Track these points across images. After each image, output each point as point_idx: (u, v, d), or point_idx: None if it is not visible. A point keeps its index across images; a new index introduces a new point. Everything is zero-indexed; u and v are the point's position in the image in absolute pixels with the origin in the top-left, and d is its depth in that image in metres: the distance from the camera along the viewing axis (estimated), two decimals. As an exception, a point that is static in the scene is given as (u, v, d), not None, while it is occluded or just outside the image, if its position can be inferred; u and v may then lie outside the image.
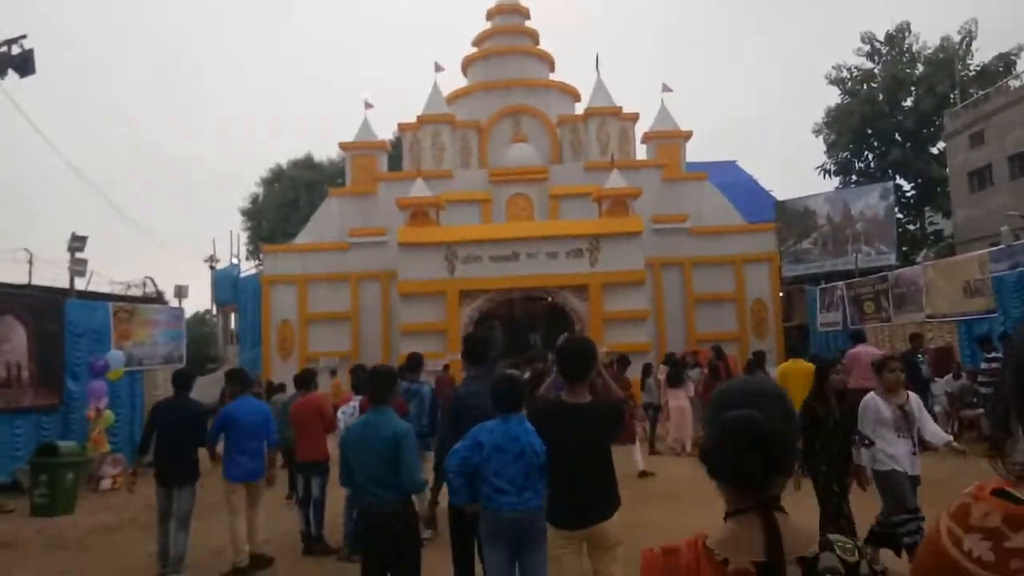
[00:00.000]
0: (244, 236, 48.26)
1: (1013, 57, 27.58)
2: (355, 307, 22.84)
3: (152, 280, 16.84)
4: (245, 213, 49.90)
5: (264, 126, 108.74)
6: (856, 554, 1.41)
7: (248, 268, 33.71)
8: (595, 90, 24.38)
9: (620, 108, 24.16)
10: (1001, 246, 13.97)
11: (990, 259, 13.92)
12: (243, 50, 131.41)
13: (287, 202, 45.94)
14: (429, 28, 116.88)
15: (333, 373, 22.00)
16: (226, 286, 27.59)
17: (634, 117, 24.58)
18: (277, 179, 49.25)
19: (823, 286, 20.73)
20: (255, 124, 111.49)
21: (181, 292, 16.41)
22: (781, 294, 23.64)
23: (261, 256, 23.39)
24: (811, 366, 9.75)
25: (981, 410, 11.41)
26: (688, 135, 25.25)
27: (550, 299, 21.22)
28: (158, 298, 16.42)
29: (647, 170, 23.74)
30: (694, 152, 26.90)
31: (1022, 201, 19.30)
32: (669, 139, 24.89)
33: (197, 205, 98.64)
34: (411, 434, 4.24)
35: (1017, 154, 22.25)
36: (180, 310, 15.81)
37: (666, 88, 25.14)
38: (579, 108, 25.28)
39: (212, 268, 30.72)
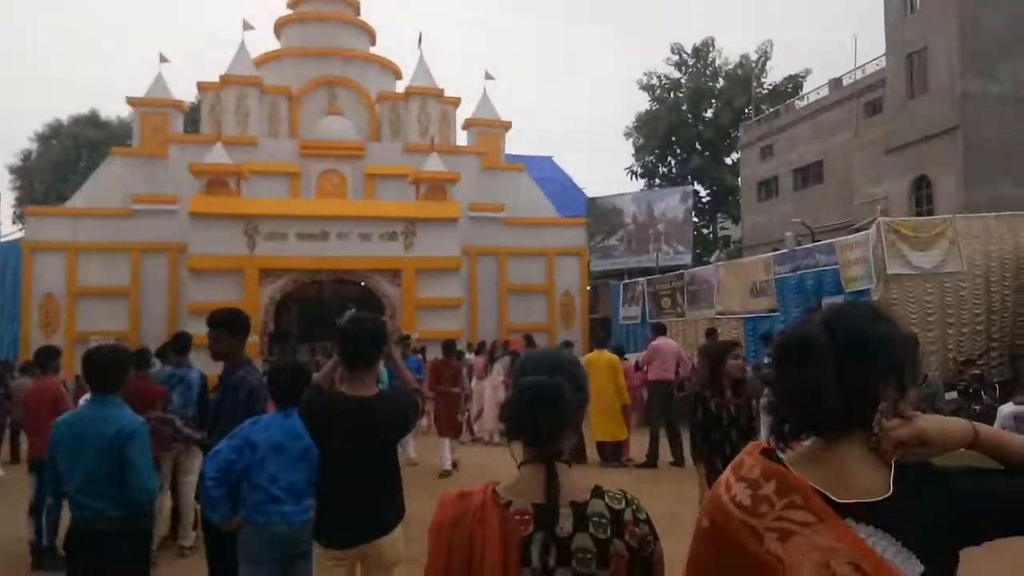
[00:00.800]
0: (11, 197, 42.48)
1: (801, 79, 30.42)
2: (135, 282, 20.43)
3: None
4: (14, 171, 43.89)
5: (43, 74, 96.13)
6: (623, 502, 1.63)
7: (12, 233, 29.43)
8: (417, 69, 23.62)
9: (443, 91, 23.61)
10: (784, 251, 15.03)
11: (774, 262, 14.93)
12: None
13: (65, 161, 40.92)
14: None
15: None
16: (-8, 253, 23.77)
17: (456, 101, 24.13)
18: (55, 135, 43.76)
19: (626, 281, 21.53)
20: (32, 70, 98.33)
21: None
22: (588, 287, 24.34)
23: (25, 219, 20.27)
24: (614, 357, 9.81)
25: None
26: (508, 125, 25.22)
27: (363, 283, 20.25)
28: None
29: (467, 156, 23.38)
30: (512, 145, 27.03)
31: (803, 210, 21.22)
32: (490, 128, 24.69)
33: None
34: (143, 432, 3.34)
35: (800, 168, 24.49)
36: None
37: (488, 76, 24.93)
38: (400, 88, 24.38)
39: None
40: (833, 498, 1.23)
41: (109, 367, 3.46)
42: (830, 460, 1.27)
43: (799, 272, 14.09)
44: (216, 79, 22.08)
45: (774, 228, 23.90)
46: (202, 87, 22.31)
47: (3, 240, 23.54)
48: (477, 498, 1.64)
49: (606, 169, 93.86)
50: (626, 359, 10.54)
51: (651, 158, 31.64)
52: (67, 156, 40.98)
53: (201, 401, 5.89)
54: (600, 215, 23.99)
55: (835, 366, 1.24)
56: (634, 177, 31.56)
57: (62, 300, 20.02)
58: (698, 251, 29.58)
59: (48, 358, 6.46)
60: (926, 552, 1.20)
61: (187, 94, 23.65)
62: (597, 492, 1.65)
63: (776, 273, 14.67)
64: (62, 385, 6.45)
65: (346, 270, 19.64)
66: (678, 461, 9.48)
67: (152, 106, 22.24)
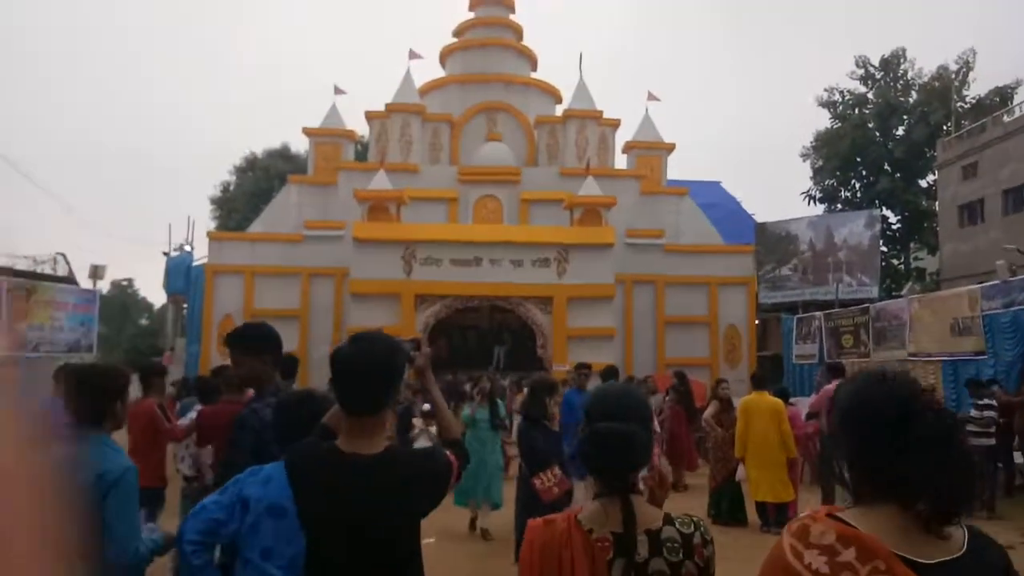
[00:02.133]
0: (213, 225, 46.71)
1: (1010, 90, 26.72)
2: (305, 304, 21.34)
3: (64, 257, 15.20)
4: (215, 202, 48.27)
5: (243, 113, 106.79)
6: (692, 527, 1.83)
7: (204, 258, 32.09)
8: (576, 91, 23.17)
9: (601, 112, 22.96)
10: (995, 282, 12.81)
11: (982, 295, 12.75)
12: (226, 37, 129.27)
13: (259, 192, 44.33)
14: (412, 18, 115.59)
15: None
16: (178, 275, 25.95)
17: (615, 123, 23.40)
18: (251, 168, 47.72)
19: (800, 315, 19.55)
20: (234, 112, 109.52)
21: (96, 273, 14.76)
22: (756, 321, 22.47)
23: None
24: (778, 401, 8.48)
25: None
26: (671, 148, 24.11)
27: (513, 310, 19.87)
28: (68, 278, 14.81)
29: (625, 180, 22.53)
30: (677, 170, 25.84)
31: (1016, 237, 18.24)
32: (651, 150, 23.72)
33: (171, 194, 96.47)
34: (129, 477, 2.54)
35: (1012, 188, 21.24)
36: (92, 292, 14.26)
37: (652, 97, 24.01)
38: (560, 111, 24.02)
39: (166, 255, 29.16)
40: (916, 560, 1.30)
41: (98, 393, 2.68)
42: (890, 524, 1.34)
43: (1014, 308, 11.90)
44: (383, 109, 22.83)
45: (980, 258, 20.82)
46: (369, 116, 23.14)
47: (197, 264, 25.57)
48: (562, 524, 1.81)
49: (781, 195, 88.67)
50: (792, 404, 9.14)
51: (832, 181, 28.99)
52: (260, 187, 44.41)
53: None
54: (771, 242, 22.10)
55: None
56: (812, 202, 29.07)
57: (239, 321, 21.23)
58: (887, 284, 26.57)
59: (152, 375, 6.20)
60: None
61: (361, 124, 24.65)
62: (668, 520, 1.82)
63: (985, 309, 12.50)
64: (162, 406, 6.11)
65: (498, 296, 19.34)
66: None
67: (326, 136, 23.39)
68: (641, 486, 1.84)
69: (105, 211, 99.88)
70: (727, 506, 8.55)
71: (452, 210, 21.86)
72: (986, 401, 9.31)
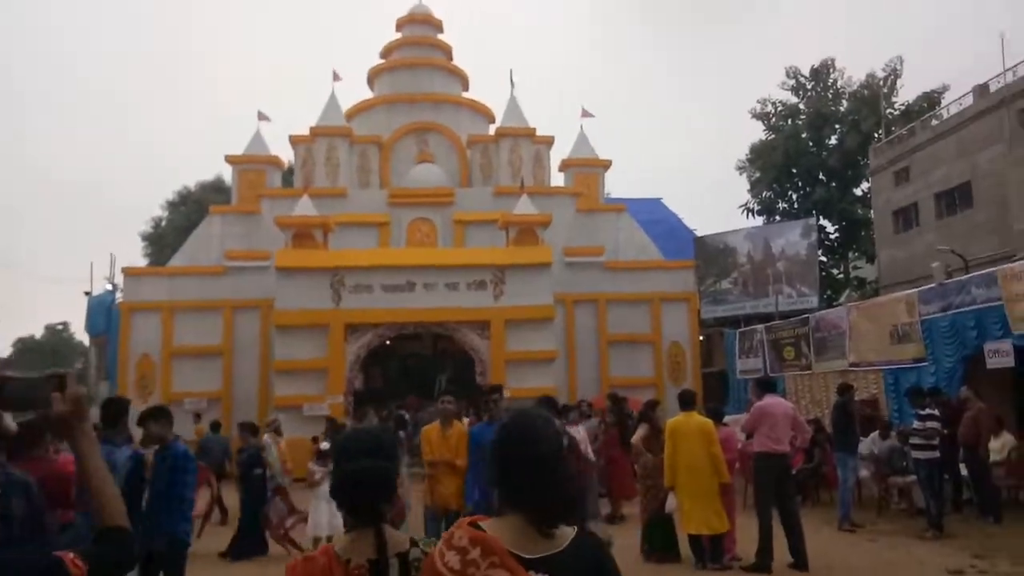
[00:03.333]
0: (145, 262, 44.98)
1: (937, 95, 27.13)
2: (228, 340, 20.18)
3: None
4: (146, 238, 46.59)
5: (177, 145, 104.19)
6: (431, 547, 1.90)
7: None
8: (508, 109, 22.66)
9: (534, 130, 22.48)
10: (931, 285, 12.51)
11: (919, 300, 12.44)
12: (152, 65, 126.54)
13: (191, 226, 42.64)
14: (337, 41, 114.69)
15: (197, 417, 19.22)
16: (100, 314, 24.48)
17: (549, 141, 22.93)
18: (183, 202, 46.18)
19: (742, 329, 19.18)
20: (166, 144, 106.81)
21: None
22: (700, 337, 22.06)
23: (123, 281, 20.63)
24: (707, 421, 7.78)
25: (912, 477, 9.68)
26: (608, 164, 23.75)
27: (450, 336, 19.05)
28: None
29: (561, 198, 22.03)
30: (616, 188, 25.46)
31: (950, 240, 18.19)
32: (587, 167, 23.30)
33: (104, 231, 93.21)
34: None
35: (944, 191, 21.33)
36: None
37: (586, 113, 23.64)
38: (492, 130, 23.45)
39: (87, 295, 27.62)
40: (522, 555, 1.73)
41: None
42: (511, 528, 1.77)
43: (952, 311, 11.59)
44: (308, 133, 21.97)
45: (916, 263, 20.81)
46: (294, 141, 22.25)
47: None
48: (322, 559, 1.99)
49: (721, 209, 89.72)
50: (726, 424, 8.49)
51: (768, 193, 29.03)
52: (192, 221, 42.78)
53: (131, 490, 4.53)
54: (710, 255, 21.80)
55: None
56: (750, 215, 29.01)
57: (158, 360, 19.98)
58: (828, 295, 26.56)
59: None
60: None
61: (288, 151, 23.71)
62: (413, 543, 2.05)
63: (923, 313, 12.19)
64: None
65: (433, 323, 18.51)
66: (799, 563, 7.25)
67: (249, 163, 22.38)
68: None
69: (30, 250, 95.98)
70: (660, 539, 7.82)
71: (384, 235, 21.02)
72: (928, 411, 8.82)
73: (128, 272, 20.47)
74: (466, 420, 10.58)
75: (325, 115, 21.93)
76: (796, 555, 7.33)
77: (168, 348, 19.93)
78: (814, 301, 19.92)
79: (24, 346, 57.83)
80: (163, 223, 46.36)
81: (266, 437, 10.60)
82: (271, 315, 19.14)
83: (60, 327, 66.78)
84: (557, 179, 23.66)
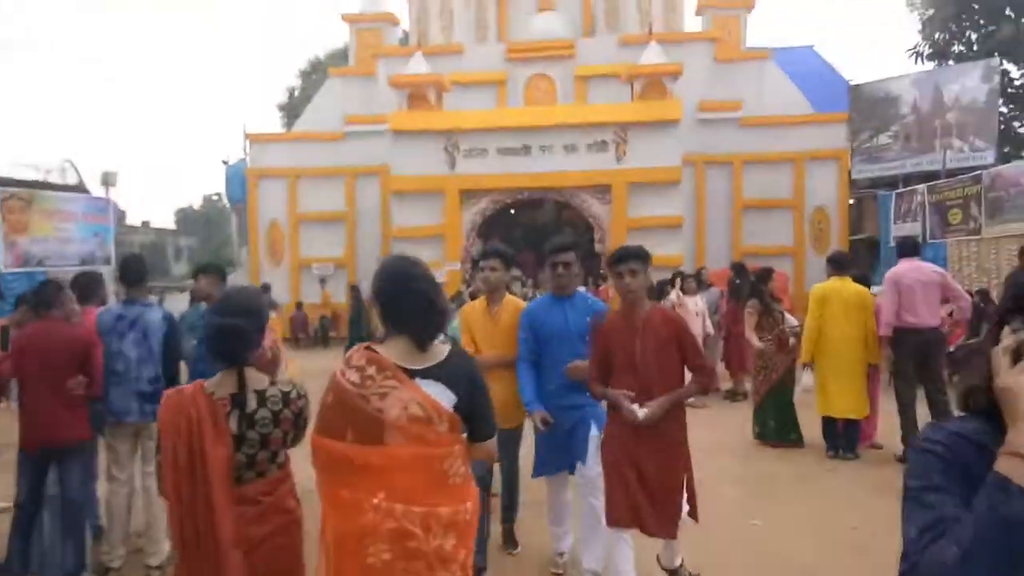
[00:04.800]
0: (281, 132, 46.21)
1: None
2: (351, 206, 20.27)
3: (72, 164, 14.35)
4: (282, 108, 47.66)
5: (307, 14, 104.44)
6: (291, 387, 2.47)
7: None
8: (635, -54, 20.26)
9: (666, -32, 20.08)
10: None
11: None
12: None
13: (322, 94, 43.32)
14: None
15: (323, 282, 19.74)
16: (236, 182, 25.38)
17: (683, -21, 20.46)
18: (315, 71, 46.55)
19: (900, 190, 16.92)
20: (298, 13, 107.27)
21: (108, 180, 13.93)
22: (850, 201, 19.85)
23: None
24: (864, 290, 6.62)
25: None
26: (750, 4, 21.01)
27: (567, 202, 18.11)
28: (77, 187, 14.05)
29: (696, 45, 19.82)
30: (760, 36, 22.52)
31: None
32: (727, 9, 20.75)
33: (246, 103, 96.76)
34: None
35: None
36: (105, 200, 13.41)
37: (726, -55, 20.77)
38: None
39: (225, 164, 28.62)
40: (409, 367, 2.18)
41: None
42: (398, 348, 2.22)
43: None
44: (421, -15, 20.75)
45: None
46: (406, -6, 21.09)
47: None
48: (189, 390, 2.39)
49: (884, 58, 79.89)
50: (875, 294, 7.21)
51: (943, 34, 24.94)
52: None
53: (168, 352, 4.15)
54: (868, 107, 19.07)
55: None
56: (920, 60, 25.11)
57: (285, 226, 20.44)
58: (1006, 151, 23.00)
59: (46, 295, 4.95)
60: (457, 389, 2.20)
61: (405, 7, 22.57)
62: (272, 383, 2.46)
63: None
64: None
65: (550, 188, 17.59)
66: None
67: (365, 22, 21.59)
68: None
69: (190, 125, 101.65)
70: (775, 424, 6.92)
71: (501, 93, 19.93)
72: None
73: (252, 138, 20.68)
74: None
75: (438, -37, 20.54)
76: None
77: (294, 214, 20.30)
78: (990, 157, 17.13)
79: (184, 215, 62.19)
80: (296, 92, 47.13)
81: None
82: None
83: (215, 197, 71.18)
84: (693, 24, 21.32)
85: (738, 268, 9.68)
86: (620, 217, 17.24)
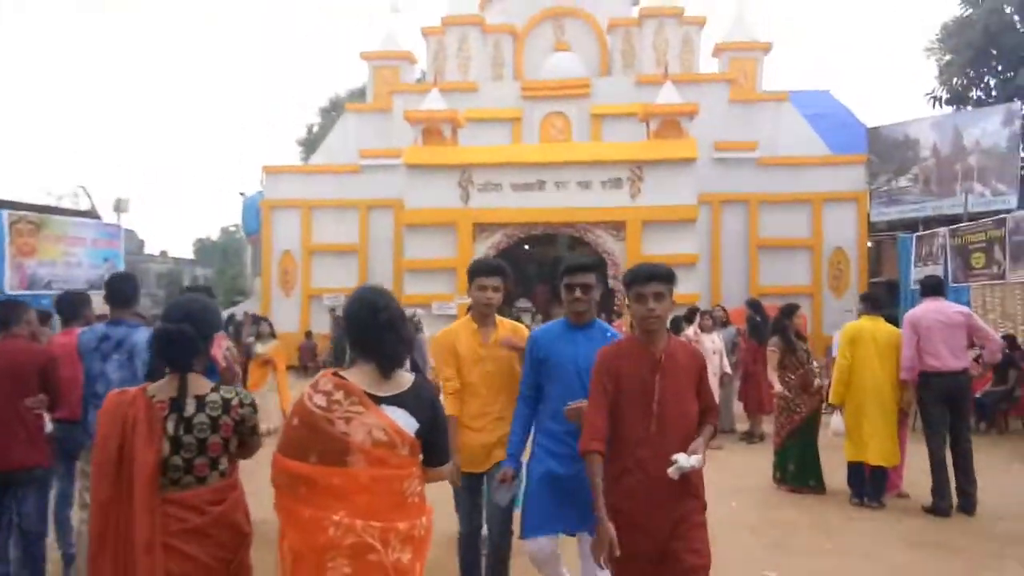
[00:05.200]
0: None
1: None
2: (364, 238, 20.23)
3: (85, 190, 14.42)
4: (301, 143, 48.29)
5: (328, 54, 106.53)
6: (233, 394, 2.52)
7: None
8: (654, -14, 20.41)
9: (683, 9, 20.20)
10: None
11: None
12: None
13: (339, 130, 43.82)
14: None
15: (332, 311, 19.61)
16: (251, 214, 25.51)
17: (700, 21, 20.57)
18: (334, 108, 47.19)
19: (920, 232, 16.63)
20: (318, 53, 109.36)
21: (120, 207, 13.94)
22: (869, 244, 19.58)
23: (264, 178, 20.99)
24: (897, 331, 6.35)
25: None
26: (767, 48, 21.08)
27: (582, 237, 17.96)
28: (89, 212, 14.06)
29: (712, 86, 19.82)
30: (777, 80, 22.50)
31: None
32: (744, 51, 20.80)
33: (266, 139, 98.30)
34: None
35: None
36: (115, 227, 13.41)
37: (742, -11, 20.92)
38: (636, 12, 21.31)
39: (242, 195, 28.84)
40: (376, 394, 2.29)
41: None
42: (365, 375, 2.33)
43: None
44: (439, 24, 20.96)
45: None
46: (426, 32, 21.32)
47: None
48: (131, 393, 2.44)
49: (901, 102, 79.82)
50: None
51: (961, 80, 24.85)
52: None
53: (152, 374, 3.93)
54: (886, 149, 18.92)
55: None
56: (938, 105, 24.99)
57: (299, 257, 20.40)
58: (1028, 195, 22.69)
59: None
60: (419, 416, 2.32)
61: (419, 44, 22.85)
62: (215, 389, 2.50)
63: None
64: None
65: (564, 223, 17.46)
66: (965, 505, 5.86)
67: (382, 59, 21.83)
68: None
69: (211, 159, 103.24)
70: (795, 468, 6.58)
71: (516, 130, 19.95)
72: None
73: (268, 170, 20.77)
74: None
75: (455, 4, 20.76)
76: (961, 495, 5.95)
77: (307, 245, 20.27)
78: (1013, 201, 16.86)
79: (202, 245, 62.65)
80: (315, 128, 47.74)
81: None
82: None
83: (233, 228, 71.91)
84: (710, 66, 21.37)
85: (754, 305, 9.42)
86: (635, 254, 17.03)
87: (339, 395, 2.24)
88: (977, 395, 9.75)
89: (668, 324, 9.15)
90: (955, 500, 5.94)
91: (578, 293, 3.31)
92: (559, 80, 19.84)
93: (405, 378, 2.36)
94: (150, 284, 64.27)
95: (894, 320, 7.06)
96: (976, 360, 8.88)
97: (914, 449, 6.61)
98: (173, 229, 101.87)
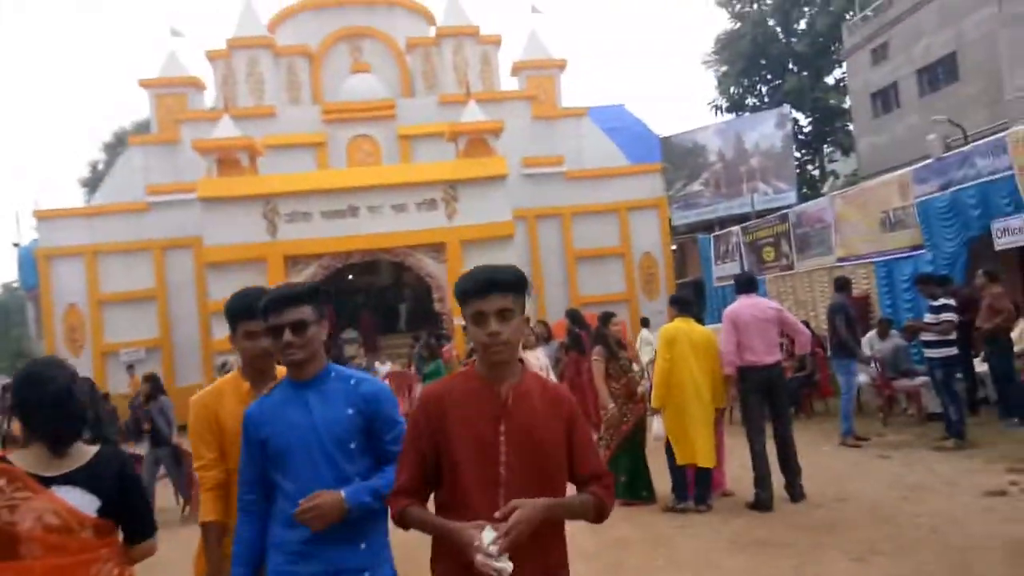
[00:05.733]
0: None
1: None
2: (161, 283, 18.41)
3: None
4: (85, 183, 43.93)
5: (105, 89, 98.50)
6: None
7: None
8: (448, 7, 20.44)
9: (477, 28, 20.37)
10: (929, 160, 11.11)
11: (913, 179, 11.06)
12: None
13: (129, 167, 40.33)
14: None
15: (130, 369, 17.67)
16: (29, 266, 22.51)
17: (496, 40, 20.85)
18: (120, 143, 43.35)
19: (716, 232, 17.80)
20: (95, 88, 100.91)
21: None
22: (673, 247, 20.70)
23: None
24: (710, 332, 6.43)
25: (922, 379, 8.47)
26: (563, 65, 21.76)
27: (402, 262, 17.48)
28: None
29: (515, 104, 20.13)
30: (574, 96, 23.27)
31: (933, 122, 16.70)
32: (541, 70, 21.31)
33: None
34: None
35: (926, 66, 19.68)
36: None
37: (535, 10, 21.49)
38: (433, 32, 21.23)
39: (16, 246, 25.47)
40: (45, 474, 2.09)
41: None
42: (34, 456, 2.14)
43: (952, 189, 10.22)
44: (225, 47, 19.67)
45: (899, 149, 19.37)
46: (211, 56, 19.94)
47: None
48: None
49: (688, 113, 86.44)
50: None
51: (737, 89, 27.26)
52: (129, 161, 40.40)
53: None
54: (678, 157, 20.20)
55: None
56: (719, 113, 27.23)
57: (86, 310, 18.20)
58: (804, 192, 25.18)
59: None
60: (101, 493, 2.13)
61: (209, 71, 21.34)
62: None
63: (918, 194, 10.82)
64: None
65: (381, 249, 16.89)
66: (793, 494, 6.08)
67: (166, 86, 20.10)
68: None
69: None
70: (627, 480, 6.50)
71: (321, 156, 19.11)
72: (943, 302, 7.50)
73: (39, 215, 18.36)
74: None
75: (242, 25, 19.60)
76: (788, 487, 6.15)
77: (95, 296, 18.13)
78: (792, 197, 18.54)
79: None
80: (100, 166, 43.68)
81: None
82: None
83: (16, 285, 63.86)
84: (509, 85, 21.70)
85: (573, 315, 9.42)
86: (455, 275, 16.69)
87: (2, 482, 2.05)
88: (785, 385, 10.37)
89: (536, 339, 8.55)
90: (778, 491, 6.11)
91: (289, 336, 2.29)
92: (363, 102, 19.27)
93: (84, 452, 2.18)
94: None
95: (700, 320, 7.21)
96: (789, 353, 9.41)
97: (733, 444, 6.76)
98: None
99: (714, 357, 6.16)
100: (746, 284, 6.74)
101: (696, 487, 6.06)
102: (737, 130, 19.64)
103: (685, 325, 6.26)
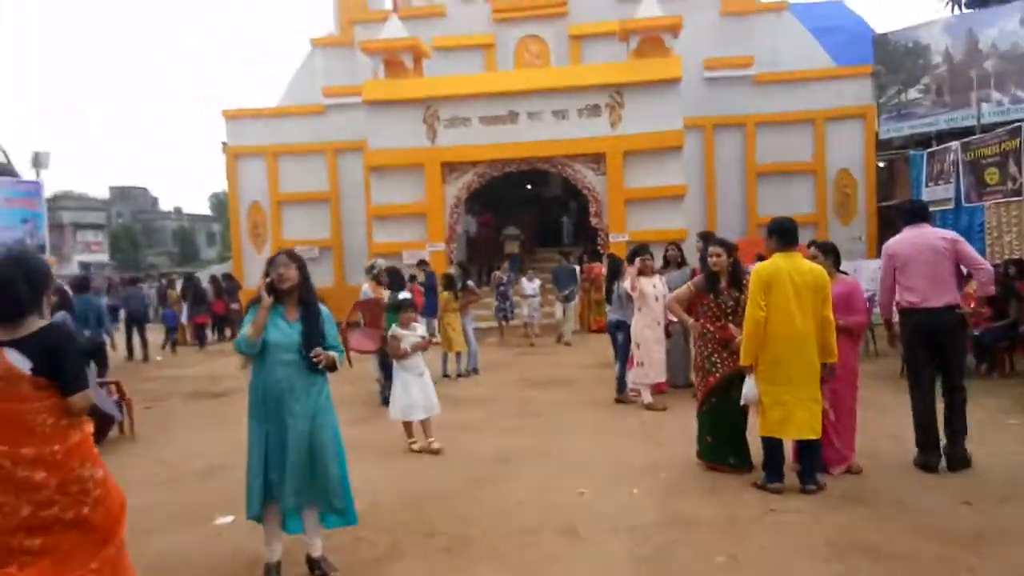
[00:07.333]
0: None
1: None
2: (334, 185, 19.04)
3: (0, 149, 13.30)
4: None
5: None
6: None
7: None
8: None
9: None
10: None
11: None
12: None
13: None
14: None
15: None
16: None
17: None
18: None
19: (933, 149, 14.99)
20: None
21: (39, 161, 12.83)
22: (879, 163, 17.92)
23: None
24: (819, 269, 4.89)
25: None
26: (763, -49, 19.00)
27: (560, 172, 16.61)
28: (5, 170, 13.00)
29: (702, -2, 17.96)
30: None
31: None
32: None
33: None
34: None
35: None
36: (35, 184, 12.36)
37: None
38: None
39: (224, 145, 27.61)
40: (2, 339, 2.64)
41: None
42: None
43: None
44: (402, -56, 19.22)
45: None
46: (388, -46, 19.60)
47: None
48: None
49: (921, 9, 74.67)
50: (844, 273, 5.51)
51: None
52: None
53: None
54: (894, 59, 17.07)
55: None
56: (956, 7, 22.81)
57: (267, 207, 19.32)
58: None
59: None
60: (33, 357, 2.65)
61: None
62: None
63: None
64: None
65: (539, 158, 16.08)
66: (952, 461, 4.93)
67: (345, -18, 20.18)
68: None
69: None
70: (712, 440, 5.35)
71: (489, 58, 18.43)
72: None
73: (228, 115, 19.48)
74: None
75: (418, -80, 18.99)
76: (951, 444, 5.04)
77: (275, 195, 19.16)
78: (1034, 109, 15.09)
79: (217, 200, 61.32)
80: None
81: (365, 287, 9.25)
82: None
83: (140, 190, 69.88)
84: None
85: (707, 238, 8.11)
86: (616, 188, 15.70)
87: None
88: (975, 333, 8.47)
89: (609, 267, 7.90)
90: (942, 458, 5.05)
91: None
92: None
93: (33, 325, 2.73)
94: (166, 241, 64.02)
95: (834, 250, 5.60)
96: (971, 294, 7.61)
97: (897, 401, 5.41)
98: (187, 186, 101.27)
99: (823, 300, 4.69)
100: (912, 213, 5.29)
101: (799, 461, 4.85)
102: (971, 26, 16.11)
103: (787, 263, 4.71)
